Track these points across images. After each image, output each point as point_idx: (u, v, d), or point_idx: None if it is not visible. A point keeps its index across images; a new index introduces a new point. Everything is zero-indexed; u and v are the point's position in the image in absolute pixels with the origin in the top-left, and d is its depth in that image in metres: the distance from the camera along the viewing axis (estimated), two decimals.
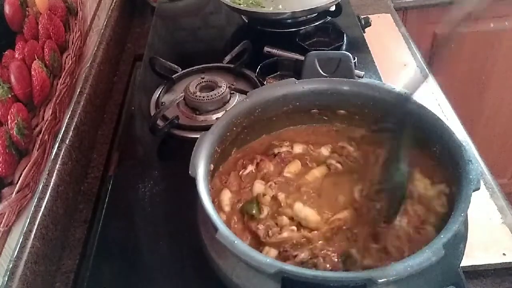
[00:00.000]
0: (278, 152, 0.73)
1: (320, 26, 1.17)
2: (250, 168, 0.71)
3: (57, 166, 0.85)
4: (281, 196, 0.67)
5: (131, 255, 0.74)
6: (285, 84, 0.74)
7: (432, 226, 0.60)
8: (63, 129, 0.91)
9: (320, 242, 0.61)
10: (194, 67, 1.08)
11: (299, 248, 0.60)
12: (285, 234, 0.62)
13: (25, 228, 0.74)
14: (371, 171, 0.69)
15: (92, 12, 1.18)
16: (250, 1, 1.22)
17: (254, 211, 0.65)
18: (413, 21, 1.61)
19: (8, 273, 0.69)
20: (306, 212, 0.64)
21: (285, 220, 0.64)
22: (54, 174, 0.84)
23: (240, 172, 0.71)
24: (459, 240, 0.58)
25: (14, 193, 0.72)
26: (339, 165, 0.71)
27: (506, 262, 0.74)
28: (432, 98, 1.08)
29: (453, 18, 0.58)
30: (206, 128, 0.68)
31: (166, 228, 0.77)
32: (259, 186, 0.68)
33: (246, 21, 1.28)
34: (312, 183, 0.70)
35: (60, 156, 0.87)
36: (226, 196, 0.68)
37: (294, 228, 0.63)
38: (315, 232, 0.62)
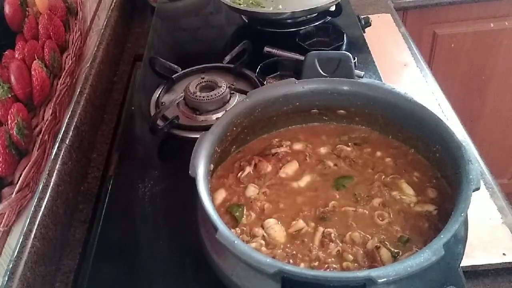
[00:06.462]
0: (276, 152, 0.73)
1: (320, 26, 1.17)
2: (248, 169, 0.71)
3: (57, 166, 0.85)
4: (267, 205, 0.67)
5: (131, 255, 0.74)
6: (285, 84, 0.74)
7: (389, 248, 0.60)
8: (63, 129, 0.91)
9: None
10: (194, 67, 1.08)
11: None
12: (252, 245, 0.61)
13: (25, 228, 0.74)
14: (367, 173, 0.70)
15: (92, 12, 1.18)
16: (250, 1, 1.22)
17: (237, 213, 0.65)
18: (413, 21, 1.61)
19: (8, 273, 0.69)
20: (273, 229, 0.63)
21: (260, 231, 0.63)
22: (54, 174, 0.84)
23: (238, 175, 0.71)
24: (459, 240, 0.58)
25: (14, 193, 0.72)
26: (335, 167, 0.71)
27: (506, 262, 0.74)
28: (432, 98, 1.08)
29: None
30: (206, 128, 0.68)
31: (166, 228, 0.77)
32: (252, 190, 0.68)
33: (246, 21, 1.28)
34: (303, 190, 0.69)
35: (60, 156, 0.87)
36: (221, 196, 0.68)
37: (263, 242, 0.62)
38: (279, 251, 0.61)
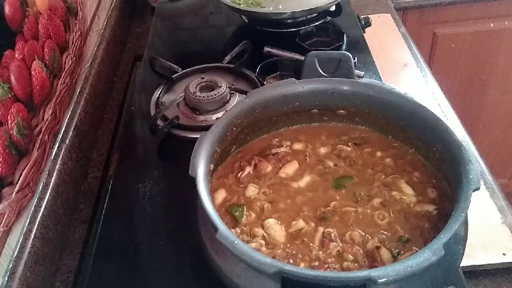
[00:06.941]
0: (276, 153, 0.73)
1: (320, 26, 1.17)
2: (248, 169, 0.71)
3: (57, 166, 0.85)
4: (266, 205, 0.67)
5: (131, 255, 0.74)
6: (285, 84, 0.74)
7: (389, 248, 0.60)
8: (63, 129, 0.91)
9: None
10: (194, 67, 1.08)
11: None
12: (252, 245, 0.61)
13: (25, 228, 0.74)
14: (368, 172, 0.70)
15: (92, 12, 1.18)
16: (250, 1, 1.22)
17: (237, 213, 0.65)
18: (413, 21, 1.61)
19: (8, 273, 0.69)
20: (273, 229, 0.63)
21: (260, 231, 0.63)
22: (54, 174, 0.84)
23: (238, 175, 0.71)
24: (459, 240, 0.58)
25: (14, 193, 0.72)
26: (335, 167, 0.71)
27: (506, 262, 0.74)
28: (432, 98, 1.08)
29: None
30: (206, 128, 0.68)
31: (166, 228, 0.77)
32: (252, 190, 0.68)
33: (246, 21, 1.28)
34: (303, 190, 0.69)
35: (60, 156, 0.87)
36: (221, 196, 0.68)
37: (263, 242, 0.62)
38: (279, 250, 0.61)
